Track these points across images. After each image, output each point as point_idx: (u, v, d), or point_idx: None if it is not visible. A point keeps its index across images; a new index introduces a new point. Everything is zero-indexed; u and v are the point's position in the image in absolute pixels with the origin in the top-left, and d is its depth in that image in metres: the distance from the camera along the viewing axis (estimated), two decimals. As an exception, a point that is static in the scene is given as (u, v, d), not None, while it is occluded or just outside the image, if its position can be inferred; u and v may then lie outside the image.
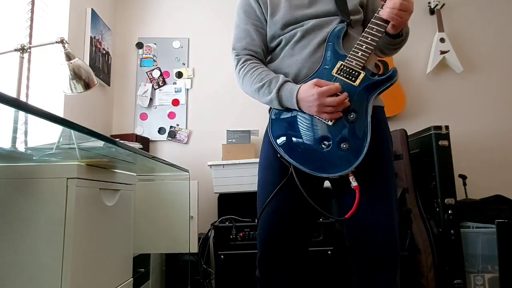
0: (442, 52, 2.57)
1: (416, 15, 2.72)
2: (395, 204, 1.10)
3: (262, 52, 1.19)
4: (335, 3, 1.15)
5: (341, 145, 1.00)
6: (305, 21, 1.14)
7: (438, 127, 2.03)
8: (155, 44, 2.73)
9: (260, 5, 1.19)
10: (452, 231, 1.93)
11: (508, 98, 2.63)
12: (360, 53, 1.05)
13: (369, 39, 1.05)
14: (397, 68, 1.08)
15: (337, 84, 1.01)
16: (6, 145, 1.20)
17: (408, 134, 2.18)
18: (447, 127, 2.03)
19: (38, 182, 0.99)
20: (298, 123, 1.07)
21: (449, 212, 1.94)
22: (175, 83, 2.69)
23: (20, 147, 1.24)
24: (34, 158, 1.10)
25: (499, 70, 2.67)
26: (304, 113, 1.05)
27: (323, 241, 1.91)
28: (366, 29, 1.06)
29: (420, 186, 2.10)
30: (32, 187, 0.99)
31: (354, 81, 1.03)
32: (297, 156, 1.04)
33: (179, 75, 2.70)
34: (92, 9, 2.30)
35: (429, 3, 2.68)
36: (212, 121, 2.64)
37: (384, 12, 1.02)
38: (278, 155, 1.06)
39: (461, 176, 2.30)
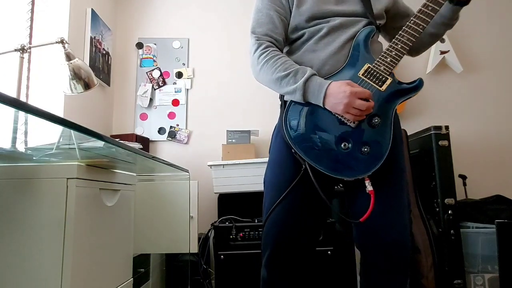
0: (442, 52, 2.57)
1: (416, 15, 2.73)
2: (407, 204, 1.08)
3: (283, 42, 1.15)
4: (362, 5, 1.13)
5: (362, 149, 0.99)
6: (332, 18, 1.11)
7: (438, 127, 2.03)
8: (155, 44, 2.73)
9: None
10: (452, 231, 1.93)
11: (508, 98, 2.63)
12: (389, 59, 1.03)
13: (399, 46, 1.03)
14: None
15: (369, 91, 0.99)
16: (6, 145, 1.20)
17: (408, 134, 2.18)
18: (447, 127, 2.03)
19: (38, 182, 0.99)
20: (318, 120, 1.03)
21: (449, 212, 1.94)
22: (175, 83, 2.69)
23: (20, 147, 1.25)
24: (34, 158, 1.10)
25: (499, 70, 2.67)
26: (326, 110, 1.02)
27: (323, 241, 1.90)
28: (397, 36, 1.04)
29: (420, 186, 2.09)
30: (32, 187, 0.99)
31: (381, 86, 1.02)
32: (313, 154, 1.01)
33: (179, 75, 2.70)
34: (92, 9, 2.30)
35: None
36: (212, 121, 2.64)
37: None
38: (293, 151, 1.03)
39: (461, 176, 2.30)
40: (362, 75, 1.04)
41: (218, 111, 2.66)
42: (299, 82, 1.01)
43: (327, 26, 1.10)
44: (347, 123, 1.01)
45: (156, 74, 2.69)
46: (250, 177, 2.07)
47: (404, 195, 1.08)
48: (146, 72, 2.69)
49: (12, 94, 1.34)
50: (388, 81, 1.02)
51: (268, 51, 1.08)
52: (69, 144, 1.00)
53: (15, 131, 1.19)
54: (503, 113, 2.61)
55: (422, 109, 2.63)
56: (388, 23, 1.21)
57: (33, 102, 1.79)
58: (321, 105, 1.02)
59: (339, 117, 1.01)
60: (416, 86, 1.03)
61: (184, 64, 2.71)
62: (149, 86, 2.68)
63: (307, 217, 1.09)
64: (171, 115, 2.65)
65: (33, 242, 0.96)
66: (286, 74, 1.04)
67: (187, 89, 2.69)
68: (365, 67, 1.04)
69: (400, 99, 1.03)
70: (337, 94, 0.98)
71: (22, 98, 1.61)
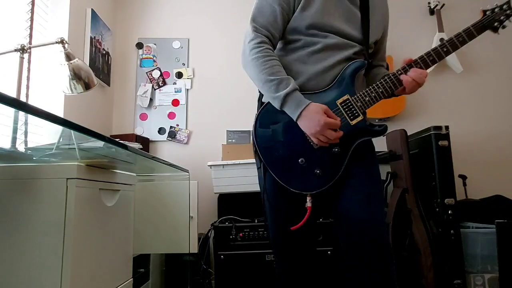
0: (442, 52, 2.56)
1: (416, 15, 2.73)
2: (383, 204, 1.14)
3: (279, 38, 1.17)
4: (361, 33, 1.16)
5: (315, 170, 1.07)
6: (330, 34, 1.12)
7: (438, 127, 2.03)
8: (155, 44, 2.73)
9: None
10: (452, 231, 1.93)
11: (508, 98, 2.63)
12: (367, 98, 1.09)
13: (380, 90, 1.10)
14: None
15: (339, 122, 1.05)
16: (6, 145, 1.20)
17: (408, 134, 2.18)
18: (447, 127, 2.03)
19: (38, 182, 0.99)
20: (287, 129, 1.09)
21: (449, 212, 1.94)
22: (175, 83, 2.69)
23: (20, 148, 1.25)
24: (34, 158, 1.10)
25: (499, 70, 2.67)
26: (295, 124, 1.07)
27: (323, 241, 1.91)
28: (381, 80, 1.10)
29: (420, 186, 2.09)
30: (32, 187, 0.99)
31: (352, 120, 1.08)
32: (271, 157, 1.09)
33: (179, 75, 2.70)
34: (92, 9, 2.30)
35: (429, 3, 2.68)
36: (212, 121, 2.64)
37: (406, 81, 1.08)
38: (254, 149, 1.10)
39: (461, 176, 2.30)
40: (340, 103, 1.09)
41: (218, 111, 2.66)
42: (281, 93, 1.05)
43: (322, 43, 1.12)
44: (311, 143, 1.08)
45: (156, 74, 2.69)
46: (250, 177, 2.07)
47: (381, 196, 1.14)
48: (146, 72, 2.69)
49: (12, 94, 1.34)
50: (359, 118, 1.08)
51: (262, 48, 1.10)
52: (69, 144, 1.01)
53: (15, 131, 1.19)
54: (503, 113, 2.61)
55: (422, 109, 2.63)
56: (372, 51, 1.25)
57: (33, 102, 1.79)
58: (294, 120, 1.06)
59: (306, 135, 1.08)
60: (381, 131, 1.09)
61: (184, 64, 2.71)
62: (149, 86, 2.68)
63: (296, 220, 1.13)
64: (171, 115, 2.65)
65: (33, 242, 0.96)
66: (271, 79, 1.06)
67: (187, 89, 2.69)
68: (345, 97, 1.09)
69: (364, 137, 1.09)
70: (312, 120, 1.03)
71: (22, 98, 1.60)
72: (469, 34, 1.15)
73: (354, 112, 1.08)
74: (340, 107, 1.09)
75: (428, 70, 1.15)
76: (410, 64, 1.10)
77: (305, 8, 1.13)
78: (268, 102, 1.12)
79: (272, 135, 1.10)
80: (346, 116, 1.08)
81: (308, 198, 1.07)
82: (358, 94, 1.09)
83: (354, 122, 1.08)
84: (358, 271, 1.07)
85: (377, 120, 2.52)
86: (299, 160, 1.07)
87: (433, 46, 2.83)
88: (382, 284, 1.03)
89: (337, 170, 1.07)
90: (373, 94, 1.09)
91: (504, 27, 1.19)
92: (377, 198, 1.11)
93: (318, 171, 1.06)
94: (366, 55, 1.16)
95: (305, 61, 1.14)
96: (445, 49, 1.11)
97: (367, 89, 1.10)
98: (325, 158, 1.07)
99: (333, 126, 1.03)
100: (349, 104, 1.09)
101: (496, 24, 1.19)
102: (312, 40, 1.13)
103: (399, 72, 1.10)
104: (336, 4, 1.15)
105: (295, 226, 1.07)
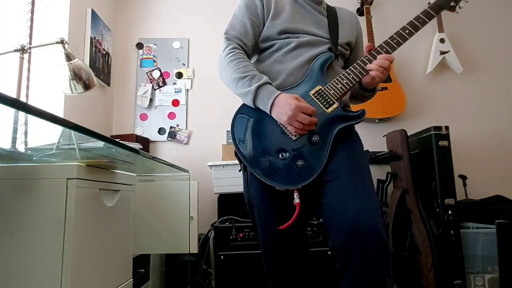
0: (442, 53, 2.57)
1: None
2: (374, 196, 1.05)
3: (251, 47, 1.23)
4: (329, 34, 1.23)
5: (297, 162, 1.04)
6: (302, 34, 1.19)
7: (438, 128, 2.03)
8: (155, 44, 2.73)
9: (263, 5, 1.23)
10: (452, 231, 1.93)
11: (508, 98, 2.63)
12: (339, 85, 1.10)
13: (351, 76, 1.11)
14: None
15: (313, 108, 1.06)
16: (6, 145, 1.20)
17: (408, 134, 2.18)
18: (447, 128, 2.03)
19: (38, 182, 0.99)
20: (263, 127, 1.10)
21: (449, 212, 1.94)
22: (175, 83, 2.69)
23: (20, 148, 1.25)
24: (34, 158, 1.10)
25: (499, 70, 2.67)
26: (272, 119, 1.08)
27: (323, 241, 1.90)
28: (350, 67, 1.12)
29: (420, 187, 2.09)
30: (32, 187, 0.99)
31: (327, 108, 1.09)
32: (251, 157, 1.08)
33: (179, 75, 2.70)
34: (92, 9, 2.30)
35: (429, 3, 2.68)
36: (212, 121, 2.64)
37: (371, 66, 1.08)
38: (234, 151, 1.10)
39: (461, 176, 2.30)
40: (313, 94, 1.11)
41: (218, 111, 2.65)
42: (253, 86, 1.08)
43: (296, 41, 1.18)
44: (289, 135, 1.07)
45: (156, 74, 2.69)
46: (250, 177, 2.07)
47: (372, 191, 1.05)
48: (146, 73, 2.69)
49: (12, 94, 1.34)
50: (335, 105, 1.09)
51: (234, 52, 1.17)
52: (69, 145, 1.01)
53: (15, 131, 1.19)
54: (503, 113, 2.62)
55: (422, 109, 2.63)
56: (349, 57, 1.30)
57: (33, 102, 1.79)
58: (268, 113, 1.08)
59: (283, 128, 1.08)
60: (359, 115, 1.09)
61: (184, 65, 2.71)
62: (149, 86, 2.68)
63: (286, 220, 1.10)
64: (171, 116, 2.65)
65: (33, 242, 0.96)
66: (243, 76, 1.11)
67: (187, 90, 2.69)
68: (317, 88, 1.11)
69: (342, 124, 1.08)
70: (284, 105, 1.03)
71: (22, 98, 1.60)
72: (428, 14, 1.20)
73: (329, 100, 1.09)
74: (314, 98, 1.10)
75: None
76: (376, 50, 1.11)
77: (275, 18, 1.21)
78: (242, 105, 1.15)
79: (251, 135, 1.10)
80: (321, 106, 1.09)
81: (295, 194, 1.01)
82: (329, 83, 1.11)
83: (330, 110, 1.08)
84: (350, 271, 0.97)
85: (377, 120, 2.52)
86: (280, 155, 1.05)
87: (433, 46, 2.83)
88: (373, 284, 0.95)
89: (320, 160, 1.03)
90: (344, 81, 1.10)
91: (460, 7, 1.25)
92: (365, 191, 1.02)
93: (300, 163, 1.03)
94: (334, 50, 1.20)
95: (282, 60, 1.18)
96: (407, 31, 1.12)
97: (337, 77, 1.12)
98: (305, 148, 1.05)
99: (306, 110, 1.03)
100: (322, 93, 1.10)
101: (452, 3, 1.26)
102: (286, 41, 1.19)
103: (365, 63, 1.11)
104: (303, 14, 1.24)
105: (283, 225, 1.00)
